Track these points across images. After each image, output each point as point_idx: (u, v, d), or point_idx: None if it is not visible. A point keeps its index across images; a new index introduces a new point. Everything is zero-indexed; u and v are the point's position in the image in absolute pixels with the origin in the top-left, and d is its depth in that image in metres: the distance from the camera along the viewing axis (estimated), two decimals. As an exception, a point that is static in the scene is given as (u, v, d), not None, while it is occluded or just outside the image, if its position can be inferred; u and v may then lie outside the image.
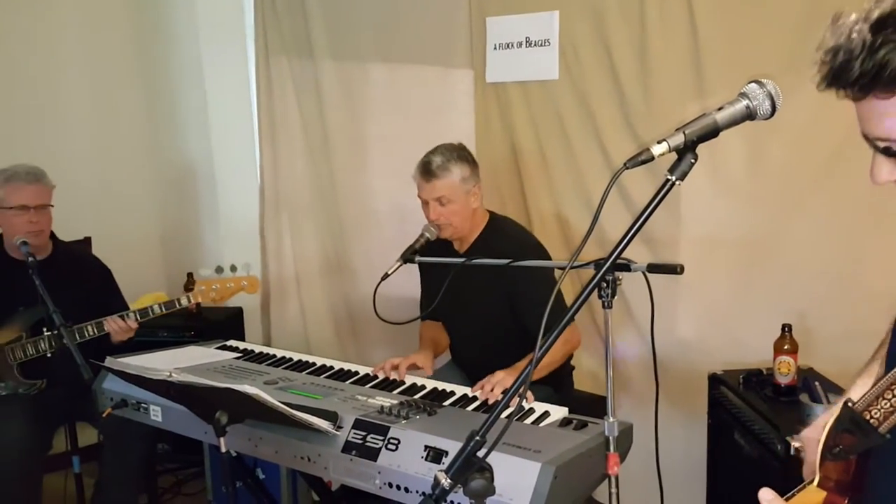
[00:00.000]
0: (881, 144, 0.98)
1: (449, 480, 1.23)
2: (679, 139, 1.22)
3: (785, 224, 2.69)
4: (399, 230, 3.22)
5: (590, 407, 2.22)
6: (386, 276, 2.35)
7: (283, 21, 3.57)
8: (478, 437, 1.24)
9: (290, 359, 2.56)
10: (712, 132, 1.22)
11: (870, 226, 2.54)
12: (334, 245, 3.68)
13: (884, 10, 0.92)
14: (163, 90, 3.99)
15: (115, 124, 3.86)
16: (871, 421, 0.99)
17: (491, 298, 2.50)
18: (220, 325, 3.44)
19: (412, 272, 2.71)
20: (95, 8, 3.77)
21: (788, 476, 1.12)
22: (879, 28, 0.91)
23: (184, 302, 2.77)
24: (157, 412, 2.26)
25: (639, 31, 2.81)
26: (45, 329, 2.68)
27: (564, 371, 2.64)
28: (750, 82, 1.21)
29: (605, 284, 1.56)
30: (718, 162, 2.72)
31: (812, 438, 1.21)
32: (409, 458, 1.75)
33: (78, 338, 2.64)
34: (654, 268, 1.75)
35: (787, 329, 2.43)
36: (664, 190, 1.24)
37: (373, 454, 1.80)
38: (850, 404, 1.02)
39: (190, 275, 3.73)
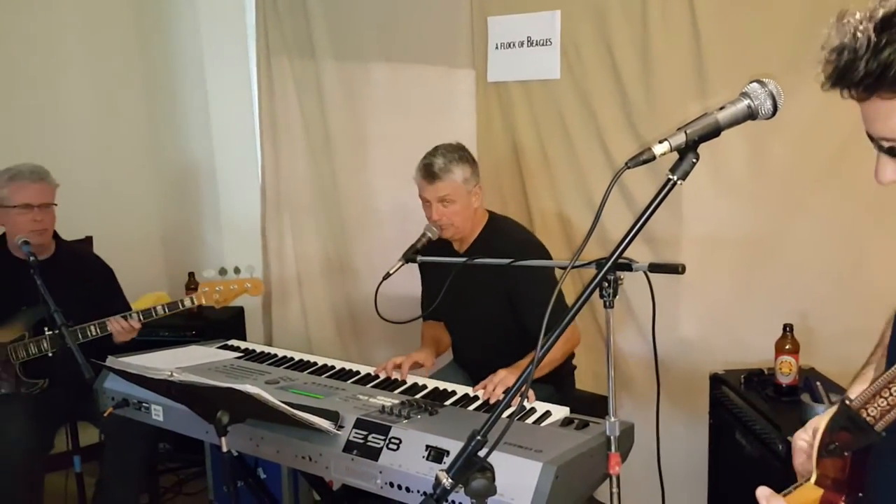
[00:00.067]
0: (886, 144, 0.97)
1: (450, 480, 1.23)
2: (681, 139, 1.22)
3: (786, 224, 2.69)
4: (401, 230, 3.22)
5: (591, 406, 2.22)
6: (387, 275, 2.35)
7: (285, 21, 3.57)
8: (479, 437, 1.24)
9: (292, 358, 2.56)
10: (714, 132, 1.22)
11: (871, 226, 2.54)
12: (336, 245, 3.68)
13: (888, 10, 0.91)
14: (164, 90, 3.99)
15: (117, 124, 3.86)
16: (868, 419, 0.99)
17: (492, 298, 2.50)
18: (221, 324, 3.44)
19: (413, 272, 2.71)
20: (96, 8, 3.77)
21: (789, 476, 1.12)
22: (884, 27, 0.90)
23: (187, 303, 2.77)
24: (158, 412, 2.26)
25: (640, 31, 2.81)
26: (45, 328, 2.68)
27: (566, 370, 2.64)
28: (751, 82, 1.21)
29: (606, 284, 1.56)
30: (720, 162, 2.72)
31: (801, 444, 1.20)
32: (411, 457, 1.75)
33: (81, 338, 2.64)
34: (655, 267, 1.75)
35: (788, 329, 2.43)
36: (666, 189, 1.23)
37: (374, 454, 1.80)
38: (847, 402, 1.02)
39: (191, 274, 3.73)
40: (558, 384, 2.54)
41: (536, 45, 3.04)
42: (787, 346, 2.40)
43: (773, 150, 2.66)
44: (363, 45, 3.42)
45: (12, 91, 3.51)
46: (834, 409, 1.05)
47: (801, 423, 1.24)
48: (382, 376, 2.35)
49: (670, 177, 1.24)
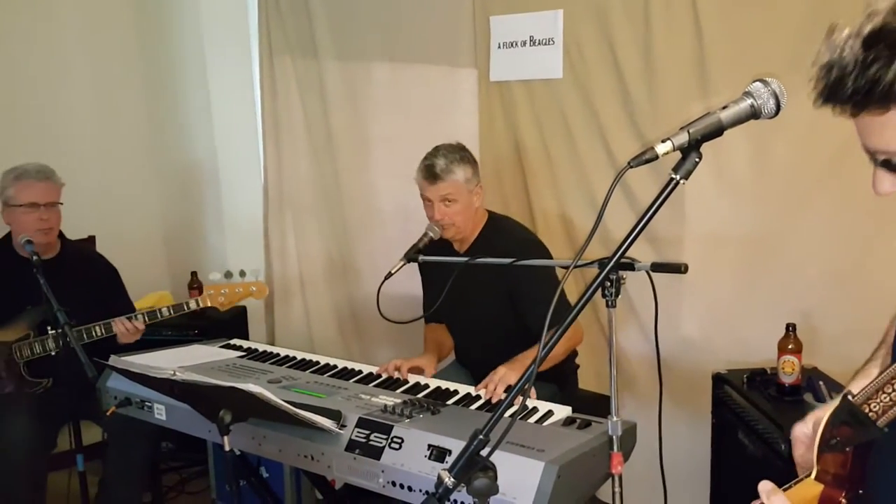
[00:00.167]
0: (881, 157, 0.98)
1: (452, 479, 1.23)
2: (683, 138, 1.22)
3: (789, 223, 2.69)
4: (403, 230, 3.22)
5: (593, 406, 2.22)
6: (390, 274, 2.36)
7: (287, 21, 3.57)
8: (481, 436, 1.24)
9: (294, 357, 2.57)
10: (717, 131, 1.22)
11: (874, 225, 2.53)
12: (338, 244, 3.68)
13: (875, 26, 0.91)
14: (166, 89, 4.00)
15: (119, 124, 3.86)
16: (870, 414, 0.99)
17: (493, 297, 2.50)
18: (224, 323, 3.45)
19: (415, 271, 2.71)
20: (98, 8, 3.77)
21: (792, 475, 1.12)
22: (871, 44, 0.90)
23: (192, 305, 2.79)
24: (161, 411, 2.26)
25: (643, 30, 2.81)
26: (48, 328, 2.68)
27: (569, 370, 2.64)
28: (754, 81, 1.21)
29: (608, 283, 1.56)
30: (723, 161, 2.72)
31: (800, 435, 1.21)
32: (413, 456, 1.75)
33: (86, 338, 2.65)
34: (658, 267, 1.75)
35: (791, 328, 2.43)
36: (668, 189, 1.23)
37: (376, 453, 1.80)
38: (849, 397, 1.02)
39: (194, 274, 3.74)
40: (561, 383, 2.54)
41: (539, 44, 3.04)
42: (789, 346, 2.40)
43: (775, 150, 2.66)
44: (365, 44, 3.43)
45: (14, 91, 3.51)
46: (835, 403, 1.05)
47: (804, 422, 1.24)
48: (384, 376, 2.35)
49: (673, 176, 1.23)
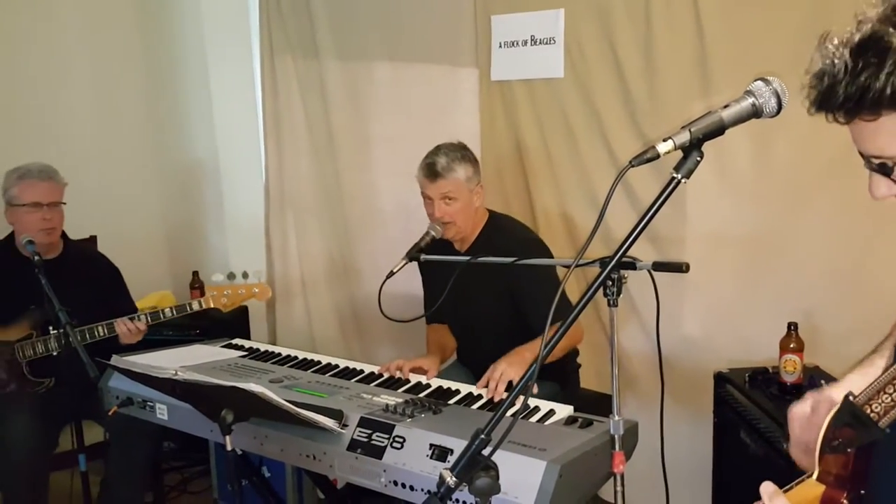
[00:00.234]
0: (875, 162, 1.00)
1: (454, 479, 1.23)
2: (685, 137, 1.22)
3: (791, 222, 2.69)
4: (404, 229, 3.22)
5: (595, 405, 2.22)
6: (391, 274, 2.35)
7: (288, 20, 3.57)
8: (483, 436, 1.24)
9: (296, 357, 2.57)
10: (718, 130, 1.22)
11: (876, 224, 2.53)
12: (339, 244, 3.69)
13: (864, 34, 0.93)
14: (168, 89, 4.00)
15: (120, 123, 3.87)
16: (872, 415, 0.99)
17: (494, 297, 2.50)
18: (225, 323, 3.44)
19: (417, 271, 2.71)
20: (99, 8, 3.78)
21: (794, 475, 1.11)
22: (861, 52, 0.92)
23: (195, 306, 2.79)
24: (162, 410, 2.26)
25: (644, 30, 2.81)
26: (50, 328, 2.68)
27: (570, 369, 2.64)
28: (756, 80, 1.21)
29: (610, 283, 1.56)
30: (724, 160, 2.71)
31: (798, 413, 1.21)
32: (415, 456, 1.75)
33: (88, 338, 2.65)
34: (659, 266, 1.75)
35: (793, 327, 2.42)
36: (670, 188, 1.23)
37: (378, 452, 1.80)
38: (851, 397, 1.02)
39: (195, 273, 3.74)
40: (563, 382, 2.54)
41: (540, 43, 3.04)
42: (791, 345, 2.40)
43: (777, 149, 2.65)
44: (366, 44, 3.43)
45: (16, 91, 3.51)
46: (834, 386, 1.05)
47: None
48: (386, 375, 2.35)
49: (674, 175, 1.23)
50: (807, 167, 2.63)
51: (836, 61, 0.94)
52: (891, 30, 0.92)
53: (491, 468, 1.26)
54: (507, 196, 3.20)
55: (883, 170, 0.99)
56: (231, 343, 2.80)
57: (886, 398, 0.98)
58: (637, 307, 2.90)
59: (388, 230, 3.50)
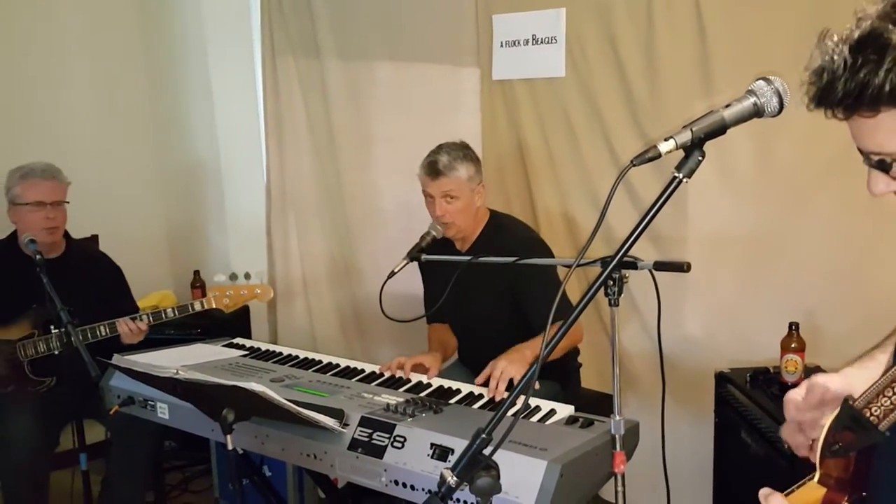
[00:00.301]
0: (874, 158, 1.00)
1: (455, 478, 1.23)
2: (686, 136, 1.21)
3: (792, 222, 2.68)
4: (405, 229, 3.22)
5: (596, 405, 2.22)
6: (392, 273, 2.35)
7: (290, 20, 3.57)
8: (484, 435, 1.24)
9: (297, 356, 2.57)
10: (720, 129, 1.22)
11: (877, 224, 2.53)
12: (340, 244, 3.69)
13: (863, 31, 0.94)
14: (169, 89, 4.00)
15: (121, 123, 3.87)
16: (871, 418, 0.99)
17: (495, 296, 2.50)
18: (226, 322, 3.44)
19: (417, 270, 2.71)
20: (100, 8, 3.78)
21: (795, 475, 1.11)
22: (860, 48, 0.93)
23: (197, 307, 2.79)
24: (164, 409, 2.26)
25: (646, 29, 2.80)
26: (52, 327, 2.69)
27: (571, 368, 2.64)
28: (758, 79, 1.21)
29: (611, 282, 1.56)
30: (726, 159, 2.71)
31: (792, 396, 1.22)
32: (416, 455, 1.75)
33: (90, 338, 2.65)
34: (661, 266, 1.75)
35: (794, 327, 2.42)
36: (671, 187, 1.23)
37: (379, 452, 1.80)
38: (850, 401, 1.02)
39: (197, 273, 3.74)
40: (564, 382, 2.54)
41: (541, 43, 3.04)
42: (792, 345, 2.40)
43: (779, 148, 2.65)
44: (368, 44, 3.43)
45: (17, 91, 3.52)
46: (832, 377, 1.05)
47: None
48: (387, 375, 2.35)
49: (676, 175, 1.23)
50: (808, 167, 2.63)
51: (835, 58, 0.94)
52: (890, 26, 0.92)
53: (492, 468, 1.26)
54: (508, 196, 3.20)
55: (881, 166, 1.00)
56: (232, 342, 2.80)
57: (886, 401, 0.98)
58: (638, 307, 2.90)
59: (390, 230, 3.50)
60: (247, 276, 2.83)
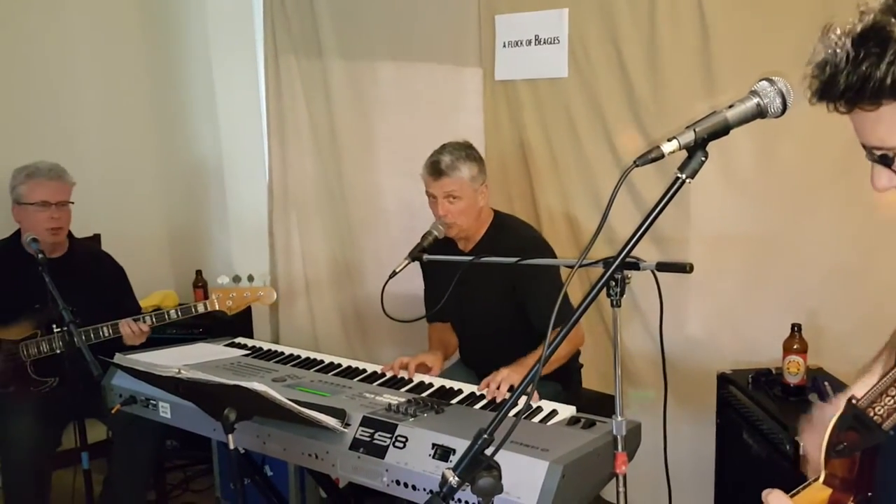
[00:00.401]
0: (877, 153, 1.00)
1: (457, 478, 1.23)
2: (689, 137, 1.21)
3: (795, 222, 2.68)
4: (407, 229, 3.22)
5: (598, 405, 2.22)
6: (394, 273, 2.35)
7: (292, 20, 3.57)
8: (486, 436, 1.24)
9: (299, 356, 2.57)
10: (723, 130, 1.22)
11: (880, 224, 2.52)
12: (342, 243, 3.69)
13: (866, 24, 0.94)
14: (172, 89, 4.00)
15: (125, 122, 3.87)
16: (875, 418, 0.99)
17: (497, 296, 2.50)
18: (228, 322, 3.43)
19: (419, 270, 2.71)
20: (104, 8, 3.78)
21: (797, 476, 1.11)
22: (862, 42, 0.93)
23: (200, 309, 2.78)
24: (165, 409, 2.27)
25: (648, 29, 2.80)
26: (54, 326, 2.69)
27: (573, 369, 2.63)
28: (761, 80, 1.21)
29: (613, 283, 1.56)
30: (729, 160, 2.71)
31: (811, 438, 1.21)
32: (417, 455, 1.75)
33: (93, 338, 2.65)
34: (663, 266, 1.75)
35: (796, 328, 2.42)
36: (674, 188, 1.23)
37: (380, 452, 1.80)
38: (853, 401, 1.02)
39: (199, 272, 3.74)
40: (565, 383, 2.54)
41: (544, 43, 3.04)
42: (795, 346, 2.39)
43: (781, 149, 2.65)
44: (370, 44, 3.43)
45: (21, 90, 3.52)
46: (840, 406, 1.05)
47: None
48: (389, 375, 2.35)
49: (679, 175, 1.23)
50: (811, 168, 2.63)
51: (837, 51, 0.95)
52: (892, 20, 0.93)
53: (493, 468, 1.26)
54: (510, 196, 3.20)
55: (884, 161, 1.00)
56: (234, 342, 2.80)
57: (889, 401, 0.98)
58: (640, 307, 2.90)
59: (392, 230, 3.50)
60: (250, 278, 2.82)
